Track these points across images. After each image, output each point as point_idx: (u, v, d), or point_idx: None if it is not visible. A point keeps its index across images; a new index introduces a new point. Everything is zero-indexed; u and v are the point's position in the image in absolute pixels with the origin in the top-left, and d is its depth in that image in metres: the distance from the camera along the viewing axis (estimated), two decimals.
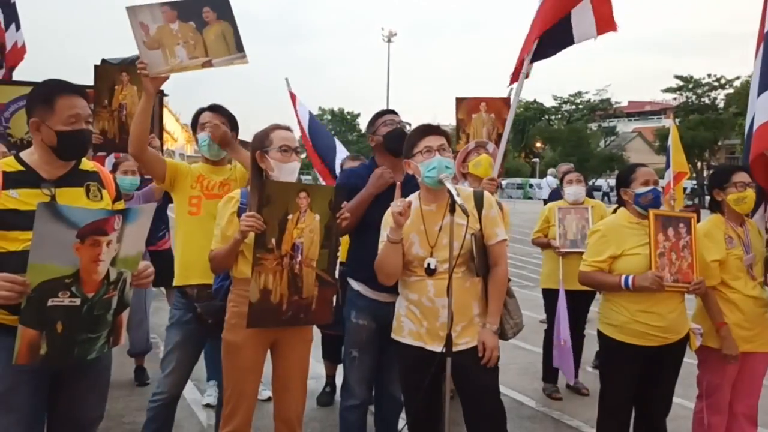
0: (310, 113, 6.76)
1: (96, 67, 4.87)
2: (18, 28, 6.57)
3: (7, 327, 2.37)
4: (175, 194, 3.64)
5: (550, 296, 5.54)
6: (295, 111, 6.58)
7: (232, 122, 3.68)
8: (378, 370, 3.76)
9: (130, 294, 2.49)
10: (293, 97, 6.65)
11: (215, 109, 3.68)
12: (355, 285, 3.59)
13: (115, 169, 5.05)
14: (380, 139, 3.62)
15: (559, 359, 5.20)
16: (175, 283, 3.61)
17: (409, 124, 3.59)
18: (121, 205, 2.68)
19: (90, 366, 2.61)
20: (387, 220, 3.15)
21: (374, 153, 3.74)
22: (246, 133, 3.93)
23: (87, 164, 2.71)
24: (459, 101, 5.29)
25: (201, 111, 3.70)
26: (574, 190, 5.54)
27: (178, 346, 3.55)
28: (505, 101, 5.29)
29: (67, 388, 2.60)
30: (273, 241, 2.84)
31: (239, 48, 3.38)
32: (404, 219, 2.96)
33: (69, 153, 2.56)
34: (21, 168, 2.52)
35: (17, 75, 6.65)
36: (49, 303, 2.22)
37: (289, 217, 2.85)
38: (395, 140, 3.56)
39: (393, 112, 3.76)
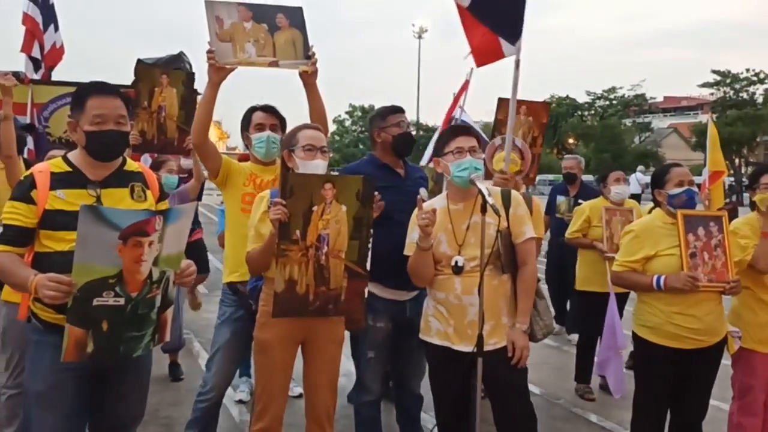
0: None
1: (136, 68, 4.94)
2: (56, 29, 6.69)
3: (53, 325, 2.44)
4: (227, 191, 3.64)
5: (587, 299, 5.39)
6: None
7: (282, 124, 3.71)
8: (397, 367, 3.81)
9: (173, 292, 2.54)
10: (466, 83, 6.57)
11: (268, 109, 3.70)
12: (369, 285, 3.49)
13: (152, 168, 5.12)
14: (389, 138, 3.64)
15: (605, 368, 4.99)
16: (225, 279, 3.63)
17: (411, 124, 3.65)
18: (164, 206, 2.72)
19: (132, 367, 2.67)
20: (414, 221, 3.16)
21: (376, 148, 3.75)
22: None
23: (132, 165, 2.76)
24: (501, 102, 5.30)
25: (253, 110, 3.71)
26: (620, 190, 5.38)
27: (226, 344, 3.54)
28: (545, 105, 5.33)
29: (109, 388, 2.66)
30: (297, 232, 2.85)
31: (306, 56, 3.48)
32: (431, 228, 2.95)
33: (96, 153, 2.59)
34: (68, 169, 2.58)
35: (55, 75, 6.79)
36: (95, 302, 2.28)
37: (314, 208, 2.86)
38: (404, 144, 3.66)
39: (402, 110, 3.75)
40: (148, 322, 2.44)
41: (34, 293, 2.28)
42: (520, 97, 4.52)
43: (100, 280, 2.26)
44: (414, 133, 3.71)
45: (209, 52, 3.32)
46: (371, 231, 3.01)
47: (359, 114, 62.27)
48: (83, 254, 2.23)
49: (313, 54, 3.48)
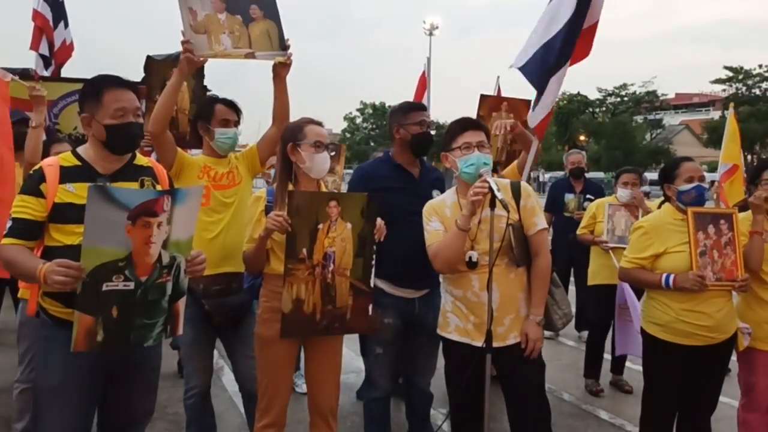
0: None
1: (146, 63, 4.92)
2: (66, 26, 6.70)
3: (61, 320, 2.44)
4: (181, 184, 3.47)
5: (598, 293, 5.36)
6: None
7: (240, 119, 3.67)
8: (407, 364, 3.81)
9: (185, 282, 2.51)
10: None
11: (232, 105, 3.63)
12: (378, 282, 3.47)
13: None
14: (407, 136, 3.59)
15: (626, 342, 4.89)
16: None
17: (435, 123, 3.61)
18: None
19: (141, 363, 2.67)
20: (428, 212, 3.16)
21: (394, 145, 3.70)
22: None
23: (141, 159, 2.76)
24: (483, 98, 5.36)
25: (215, 101, 3.64)
26: (624, 194, 5.30)
27: (192, 345, 3.51)
28: (527, 103, 5.30)
29: (119, 384, 2.65)
30: (304, 251, 2.83)
31: (282, 47, 3.45)
32: (478, 206, 2.91)
33: (118, 146, 2.59)
34: (78, 163, 2.58)
35: (65, 72, 6.81)
36: (104, 288, 2.26)
37: (320, 226, 2.84)
38: (423, 144, 3.61)
39: (425, 108, 3.73)
40: (160, 310, 2.42)
41: (43, 282, 2.26)
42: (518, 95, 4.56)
43: (109, 264, 2.24)
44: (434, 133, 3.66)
45: (185, 42, 3.27)
46: (374, 248, 2.99)
47: (370, 111, 62.10)
48: (92, 237, 2.21)
49: (289, 46, 3.45)
